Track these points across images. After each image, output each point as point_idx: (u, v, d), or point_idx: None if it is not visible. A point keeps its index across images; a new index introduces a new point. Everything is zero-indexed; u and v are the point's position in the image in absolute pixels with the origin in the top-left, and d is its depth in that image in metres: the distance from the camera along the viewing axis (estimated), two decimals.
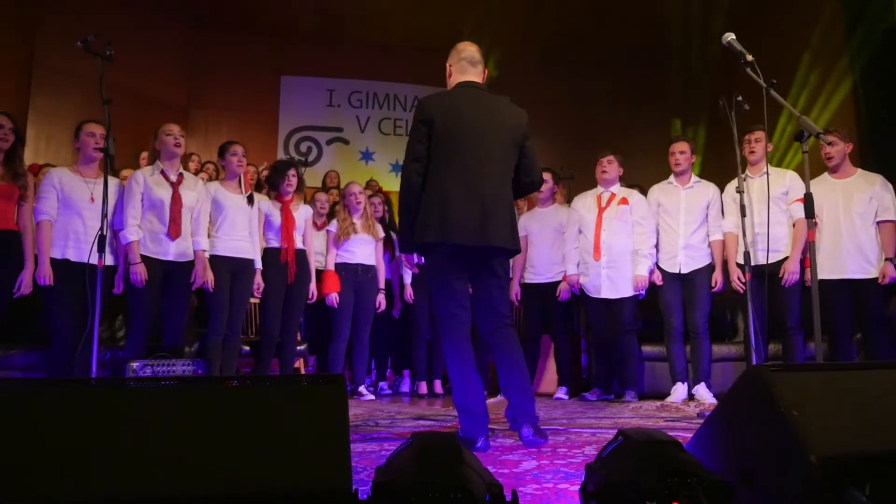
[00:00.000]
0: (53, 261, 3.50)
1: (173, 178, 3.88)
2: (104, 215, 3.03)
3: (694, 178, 4.57)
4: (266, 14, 8.17)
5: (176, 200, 3.81)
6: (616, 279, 4.51)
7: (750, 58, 2.43)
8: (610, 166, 4.66)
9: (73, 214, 3.59)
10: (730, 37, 2.56)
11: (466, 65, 2.84)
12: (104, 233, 3.02)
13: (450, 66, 2.89)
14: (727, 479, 1.20)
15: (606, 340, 4.59)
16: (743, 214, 3.74)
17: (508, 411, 2.71)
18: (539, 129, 8.97)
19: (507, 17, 8.04)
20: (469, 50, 2.87)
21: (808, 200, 2.14)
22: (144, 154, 5.87)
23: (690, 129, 8.50)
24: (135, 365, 3.15)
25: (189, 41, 8.29)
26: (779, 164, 7.52)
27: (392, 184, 8.77)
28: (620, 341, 4.51)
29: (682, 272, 4.43)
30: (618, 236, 4.53)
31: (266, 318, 4.41)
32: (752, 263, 4.21)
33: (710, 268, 4.41)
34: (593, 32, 8.27)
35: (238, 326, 4.15)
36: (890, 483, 1.14)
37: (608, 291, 4.51)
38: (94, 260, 3.13)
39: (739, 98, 4.09)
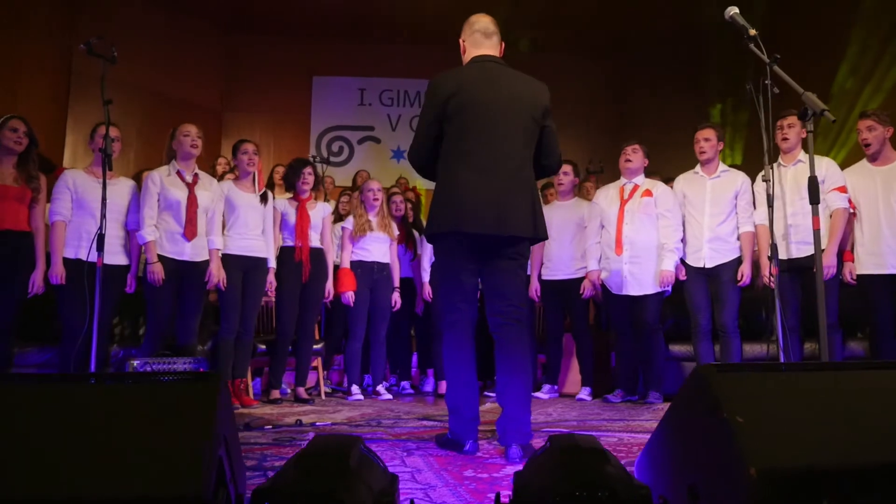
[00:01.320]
0: (66, 260, 3.56)
1: (189, 178, 3.90)
2: (103, 215, 3.06)
3: (722, 167, 4.33)
4: (297, 16, 8.22)
5: (192, 201, 3.83)
6: (639, 275, 4.31)
7: (753, 32, 2.24)
8: (634, 155, 4.47)
9: (86, 215, 3.65)
10: (732, 11, 2.38)
11: (480, 37, 2.64)
12: (103, 232, 3.04)
13: (463, 41, 2.70)
14: (664, 495, 1.07)
15: (630, 339, 4.40)
16: (769, 205, 3.51)
17: (500, 422, 2.50)
18: (571, 121, 8.81)
19: (538, 7, 7.87)
20: (482, 21, 2.66)
21: (811, 185, 1.95)
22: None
23: (730, 117, 8.14)
24: (135, 363, 3.17)
25: (223, 45, 8.44)
26: (828, 153, 7.13)
27: (424, 181, 8.72)
28: (644, 340, 4.31)
29: (707, 266, 4.20)
30: (641, 230, 4.33)
31: (281, 316, 4.40)
32: (786, 257, 4.00)
33: (737, 262, 4.17)
34: (627, 20, 8.01)
35: (251, 325, 4.15)
36: (845, 502, 0.98)
37: (631, 288, 4.32)
38: (93, 258, 3.19)
39: (768, 81, 3.85)
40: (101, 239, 3.05)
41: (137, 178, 4.21)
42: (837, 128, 6.90)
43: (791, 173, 4.05)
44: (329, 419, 3.47)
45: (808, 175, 1.95)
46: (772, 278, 3.82)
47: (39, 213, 3.56)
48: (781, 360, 3.63)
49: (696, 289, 4.26)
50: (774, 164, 4.20)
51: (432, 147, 2.60)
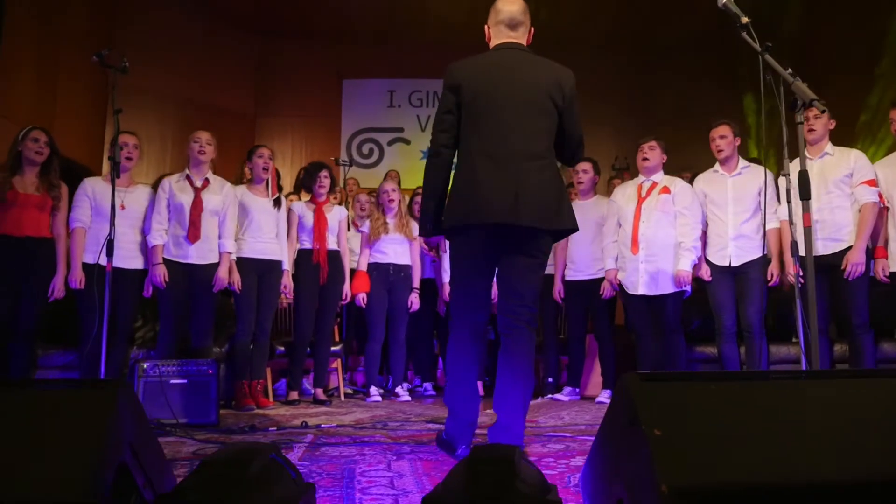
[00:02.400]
0: (86, 265, 3.67)
1: (198, 183, 3.98)
2: (112, 222, 3.14)
3: (742, 163, 4.17)
4: (326, 20, 8.31)
5: (196, 205, 3.91)
6: (655, 274, 4.18)
7: (745, 20, 2.14)
8: (651, 153, 4.34)
9: (104, 221, 3.72)
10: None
11: (504, 28, 2.53)
12: (112, 237, 3.13)
13: (488, 27, 2.61)
14: None
15: (650, 341, 4.28)
16: (787, 200, 3.35)
17: (492, 430, 2.44)
18: (602, 118, 8.62)
19: (567, 4, 7.75)
20: (508, 9, 2.52)
21: (802, 179, 1.84)
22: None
23: (765, 114, 7.82)
24: (145, 365, 3.24)
25: (254, 52, 8.59)
26: (871, 144, 6.80)
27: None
28: (663, 342, 4.18)
29: (733, 265, 4.05)
30: (658, 228, 4.21)
31: (298, 318, 4.45)
32: (813, 254, 3.83)
33: (764, 260, 4.00)
34: (657, 17, 7.82)
35: (267, 327, 4.20)
36: None
37: (647, 288, 4.19)
38: (116, 262, 3.31)
39: (790, 70, 3.69)
40: (110, 244, 3.13)
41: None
42: (881, 118, 6.57)
43: (817, 166, 3.88)
44: (337, 421, 3.49)
45: (800, 169, 1.83)
46: (796, 277, 3.69)
47: (61, 220, 3.69)
48: (803, 364, 3.47)
49: (720, 288, 4.11)
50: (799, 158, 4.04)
51: (448, 138, 2.47)
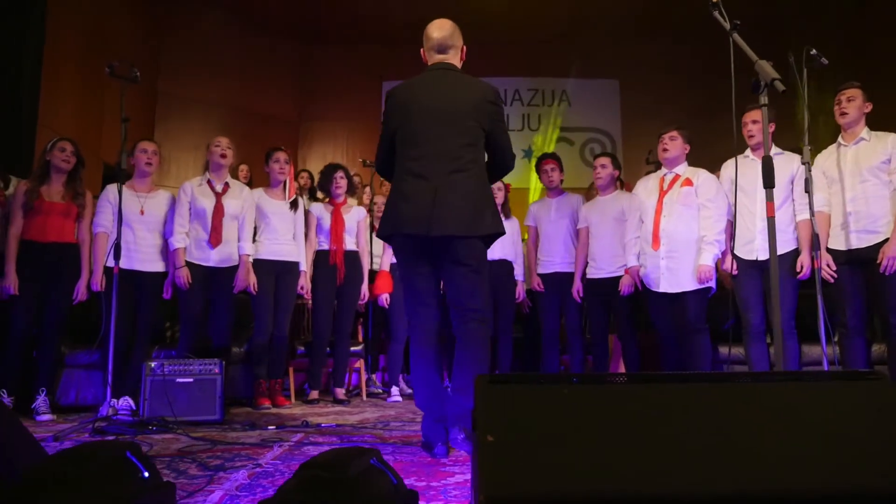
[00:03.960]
0: (107, 269, 3.83)
1: (219, 188, 4.09)
2: (119, 227, 3.27)
3: (775, 149, 3.91)
4: (367, 23, 8.40)
5: (218, 210, 4.02)
6: (677, 270, 3.99)
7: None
8: (672, 143, 4.14)
9: (124, 226, 3.89)
10: None
11: (434, 53, 2.73)
12: (119, 242, 3.26)
13: (423, 51, 2.78)
14: None
15: (671, 340, 4.10)
16: (805, 190, 3.15)
17: (448, 406, 2.53)
18: (645, 106, 8.32)
19: None
20: (435, 36, 2.72)
21: (765, 165, 1.70)
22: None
23: (816, 99, 7.37)
24: (153, 364, 3.35)
25: (296, 57, 8.79)
26: None
27: (513, 176, 8.61)
28: (685, 341, 3.99)
29: (760, 259, 3.83)
30: (679, 222, 4.01)
31: (316, 318, 4.50)
32: (845, 247, 3.59)
33: (794, 254, 3.76)
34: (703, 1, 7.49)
35: (284, 326, 4.27)
36: None
37: (667, 284, 4.01)
38: (127, 266, 3.45)
39: (814, 51, 3.46)
40: (117, 248, 3.26)
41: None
42: None
43: (851, 153, 3.63)
44: (342, 421, 3.50)
45: (764, 155, 1.68)
46: (832, 273, 3.50)
47: (85, 226, 3.87)
48: (825, 365, 3.24)
49: (747, 284, 3.89)
50: (833, 144, 3.78)
51: (388, 159, 2.71)
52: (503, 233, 2.65)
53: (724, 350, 4.30)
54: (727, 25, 1.92)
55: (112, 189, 3.99)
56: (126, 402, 3.65)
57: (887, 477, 0.81)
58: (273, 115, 8.52)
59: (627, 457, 0.91)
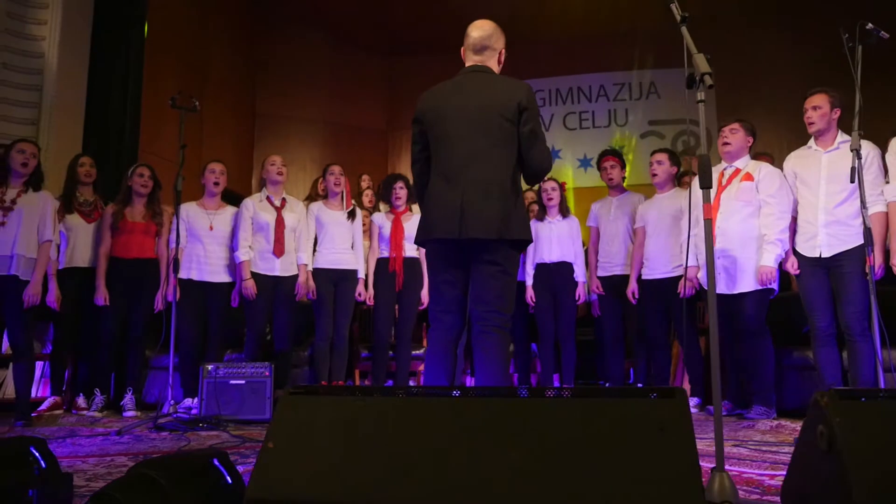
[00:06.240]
0: (180, 280, 4.23)
1: (277, 202, 4.39)
2: (178, 242, 3.62)
3: (841, 137, 3.60)
4: (449, 32, 8.52)
5: (279, 223, 4.32)
6: (733, 271, 3.76)
7: None
8: (733, 136, 3.91)
9: (195, 241, 4.30)
10: None
11: (470, 53, 2.70)
12: (178, 257, 3.61)
13: (463, 50, 2.75)
14: None
15: (731, 344, 3.86)
16: (851, 181, 2.87)
17: None
18: (784, 105, 7.76)
19: None
20: (474, 35, 2.69)
21: (701, 164, 1.59)
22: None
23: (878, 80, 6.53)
24: (209, 367, 3.66)
25: (385, 70, 9.10)
26: None
27: (582, 179, 8.43)
28: (744, 345, 3.75)
29: (824, 256, 3.52)
30: (735, 219, 3.78)
31: (377, 323, 4.68)
32: None
33: (861, 250, 3.42)
34: None
35: (343, 331, 4.49)
36: None
37: (724, 286, 3.79)
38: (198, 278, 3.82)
39: (869, 26, 3.13)
40: (176, 262, 3.62)
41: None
42: None
43: None
44: None
45: (698, 153, 1.57)
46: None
47: (163, 242, 4.30)
48: (881, 377, 2.92)
49: (811, 284, 3.60)
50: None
51: (419, 168, 2.71)
52: (530, 240, 2.60)
53: (798, 354, 3.99)
54: (678, 15, 1.83)
55: (185, 207, 4.38)
56: (193, 401, 4.02)
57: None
58: (364, 126, 8.89)
59: (366, 468, 0.94)
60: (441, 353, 2.59)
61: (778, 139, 6.93)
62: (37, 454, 1.29)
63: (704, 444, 2.85)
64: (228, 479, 1.33)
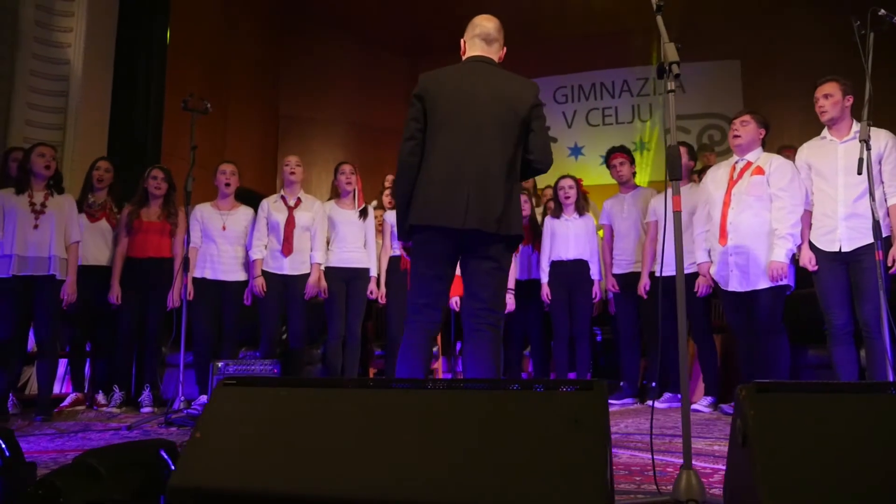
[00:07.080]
0: (195, 280, 4.32)
1: (291, 202, 4.45)
2: (188, 242, 3.69)
3: (856, 126, 3.47)
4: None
5: (289, 222, 4.37)
6: (745, 267, 3.67)
7: None
8: (744, 129, 3.81)
9: (209, 241, 4.38)
10: None
11: (479, 41, 2.63)
12: (189, 256, 3.68)
13: (464, 41, 2.71)
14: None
15: (746, 342, 3.77)
16: (858, 172, 2.77)
17: None
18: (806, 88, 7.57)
19: None
20: (485, 25, 2.64)
21: (669, 156, 1.54)
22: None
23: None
24: (219, 364, 3.73)
25: (406, 71, 9.12)
26: None
27: (605, 176, 8.30)
28: (759, 343, 3.65)
29: (844, 250, 3.41)
30: (747, 214, 3.69)
31: (389, 321, 4.70)
32: None
33: (885, 243, 3.30)
34: None
35: (355, 330, 4.52)
36: None
37: (737, 283, 3.70)
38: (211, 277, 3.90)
39: (882, 12, 3.02)
40: (186, 262, 3.70)
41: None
42: None
43: None
44: None
45: (668, 145, 1.52)
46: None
47: (178, 242, 4.39)
48: (890, 376, 2.81)
49: (829, 279, 3.49)
50: None
51: (413, 145, 2.56)
52: (522, 237, 2.55)
53: (814, 353, 3.88)
54: (654, 6, 1.79)
55: (199, 208, 4.47)
56: (206, 398, 4.09)
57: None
58: (386, 127, 8.92)
59: (284, 457, 0.95)
60: (418, 346, 2.50)
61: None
62: (2, 445, 1.34)
63: (706, 443, 2.79)
64: (173, 468, 1.34)
